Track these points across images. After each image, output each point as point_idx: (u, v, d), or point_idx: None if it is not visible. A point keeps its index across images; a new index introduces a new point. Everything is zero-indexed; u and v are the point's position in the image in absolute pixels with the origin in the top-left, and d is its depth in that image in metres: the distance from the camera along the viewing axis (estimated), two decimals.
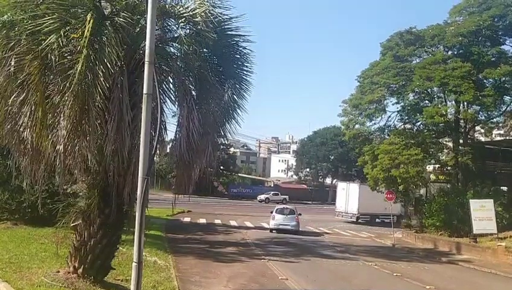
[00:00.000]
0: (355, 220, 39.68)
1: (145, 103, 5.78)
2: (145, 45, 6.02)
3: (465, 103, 27.53)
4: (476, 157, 27.13)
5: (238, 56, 9.74)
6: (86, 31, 7.32)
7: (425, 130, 29.47)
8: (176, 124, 9.05)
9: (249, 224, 31.71)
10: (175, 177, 10.03)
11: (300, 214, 29.24)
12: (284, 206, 32.23)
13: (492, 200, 23.60)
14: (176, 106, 9.37)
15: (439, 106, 28.20)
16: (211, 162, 10.04)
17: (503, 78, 26.99)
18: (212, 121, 9.42)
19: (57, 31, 7.49)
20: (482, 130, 31.87)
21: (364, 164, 31.01)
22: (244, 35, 9.55)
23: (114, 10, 8.46)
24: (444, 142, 31.03)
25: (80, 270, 9.14)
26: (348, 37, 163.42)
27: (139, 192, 5.70)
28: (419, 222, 29.64)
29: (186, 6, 8.76)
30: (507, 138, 31.60)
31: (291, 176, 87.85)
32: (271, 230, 27.63)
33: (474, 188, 26.59)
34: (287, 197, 61.54)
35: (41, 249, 12.70)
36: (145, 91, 5.78)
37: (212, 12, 8.47)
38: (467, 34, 27.24)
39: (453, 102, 28.46)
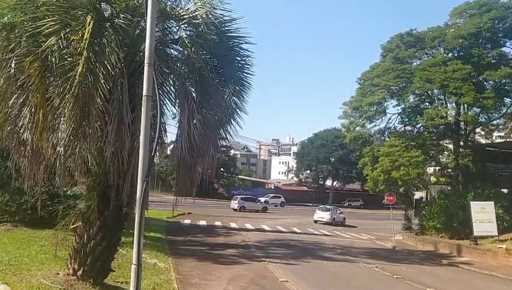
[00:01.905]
0: None
1: (145, 105, 5.75)
2: (145, 47, 6.00)
3: (466, 105, 27.54)
4: (477, 160, 27.17)
5: (239, 58, 9.68)
6: (86, 33, 7.30)
7: (426, 132, 29.49)
8: (177, 125, 9.00)
9: (249, 226, 31.70)
10: (176, 179, 9.95)
11: (341, 213, 42.08)
12: (324, 205, 44.85)
13: (492, 202, 23.61)
14: (177, 108, 9.30)
15: (440, 108, 28.26)
16: (212, 163, 9.98)
17: (504, 80, 27.05)
18: (213, 123, 9.36)
19: (57, 33, 7.48)
20: (483, 132, 31.87)
21: (364, 166, 31.03)
22: (244, 37, 9.49)
23: (114, 12, 8.44)
24: (445, 144, 31.09)
25: (80, 272, 9.11)
26: (348, 39, 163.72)
27: (138, 194, 5.67)
28: (419, 224, 29.61)
29: (186, 8, 8.73)
30: (507, 140, 31.54)
31: (292, 178, 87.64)
32: (315, 221, 38.93)
33: (475, 190, 26.55)
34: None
35: (41, 251, 12.65)
36: (144, 93, 5.75)
37: (213, 14, 8.43)
38: (467, 36, 27.28)
39: (454, 104, 28.51)
